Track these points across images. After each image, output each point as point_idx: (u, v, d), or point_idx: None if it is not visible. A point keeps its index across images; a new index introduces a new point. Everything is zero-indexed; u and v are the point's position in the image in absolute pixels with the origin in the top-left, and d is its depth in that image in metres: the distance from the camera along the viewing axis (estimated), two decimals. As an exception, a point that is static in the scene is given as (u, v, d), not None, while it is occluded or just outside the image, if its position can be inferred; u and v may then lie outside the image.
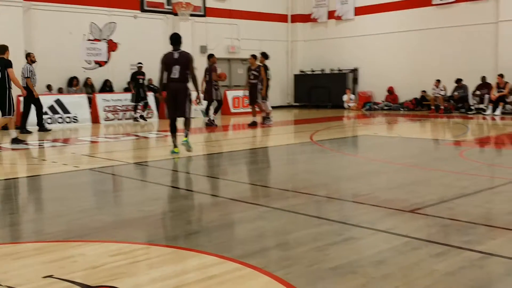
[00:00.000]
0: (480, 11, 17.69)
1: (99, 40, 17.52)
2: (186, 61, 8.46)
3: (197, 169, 7.83)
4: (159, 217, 4.91)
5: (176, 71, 8.38)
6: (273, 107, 20.34)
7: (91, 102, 15.85)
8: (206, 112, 14.19)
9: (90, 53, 17.35)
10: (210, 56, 14.02)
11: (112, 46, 17.77)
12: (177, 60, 8.42)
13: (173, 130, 8.68)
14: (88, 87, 16.97)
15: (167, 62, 8.48)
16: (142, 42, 17.90)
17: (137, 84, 16.08)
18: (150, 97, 16.65)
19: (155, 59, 16.42)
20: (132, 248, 3.81)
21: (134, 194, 6.01)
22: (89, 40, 17.31)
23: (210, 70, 13.73)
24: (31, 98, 12.71)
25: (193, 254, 3.68)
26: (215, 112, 14.17)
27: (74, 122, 15.12)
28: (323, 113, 18.67)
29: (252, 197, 5.77)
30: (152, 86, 17.70)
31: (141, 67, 16.17)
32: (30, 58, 12.93)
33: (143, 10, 15.08)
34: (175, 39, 8.56)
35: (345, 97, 20.86)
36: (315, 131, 12.42)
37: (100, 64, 17.67)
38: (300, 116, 18.54)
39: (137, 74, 16.14)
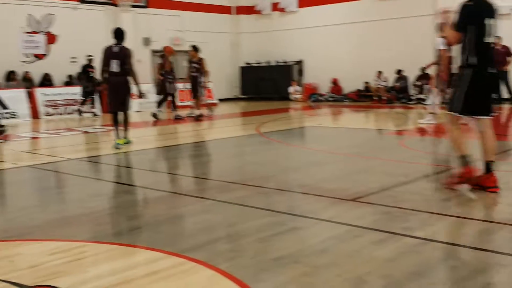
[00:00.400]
0: (419, 3, 18.20)
1: (37, 33, 16.86)
2: (124, 55, 8.61)
3: (141, 164, 7.69)
4: (101, 213, 4.79)
5: (115, 65, 8.54)
6: (220, 100, 20.35)
7: (30, 97, 15.26)
8: (158, 105, 13.88)
9: (28, 46, 16.67)
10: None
11: (51, 38, 17.14)
12: (116, 54, 8.57)
13: (115, 121, 8.81)
14: (27, 81, 16.32)
15: (106, 56, 8.63)
16: (83, 34, 17.35)
17: (87, 77, 15.60)
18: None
19: (96, 51, 16.07)
20: (72, 246, 3.71)
21: (75, 190, 5.84)
22: (27, 32, 16.63)
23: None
24: None
25: (136, 250, 3.61)
26: (159, 105, 13.90)
27: (13, 117, 14.52)
28: (269, 105, 18.76)
29: (197, 190, 5.72)
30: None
31: (91, 59, 15.62)
32: None
33: (82, 1, 14.62)
34: (118, 34, 8.73)
35: (291, 89, 21.05)
36: (262, 123, 12.46)
37: (38, 57, 17.02)
38: (247, 108, 18.57)
39: (88, 67, 15.70)
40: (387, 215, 4.31)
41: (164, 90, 13.54)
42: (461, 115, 5.03)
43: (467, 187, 4.99)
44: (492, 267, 3.11)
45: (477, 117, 5.01)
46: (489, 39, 4.87)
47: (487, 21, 4.81)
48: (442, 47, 10.05)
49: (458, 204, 4.61)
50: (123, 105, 8.72)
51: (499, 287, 2.84)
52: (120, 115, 8.83)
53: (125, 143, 8.77)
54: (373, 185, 5.36)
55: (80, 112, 15.50)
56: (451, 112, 5.07)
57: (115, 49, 8.63)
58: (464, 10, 4.83)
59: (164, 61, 13.58)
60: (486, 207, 4.49)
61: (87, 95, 15.63)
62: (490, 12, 4.87)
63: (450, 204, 4.64)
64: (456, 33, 4.89)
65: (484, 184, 4.91)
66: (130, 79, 8.72)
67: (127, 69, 8.63)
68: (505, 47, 14.94)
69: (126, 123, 8.86)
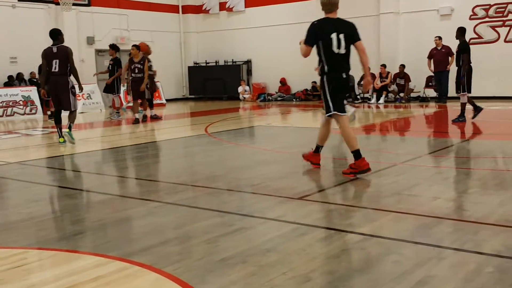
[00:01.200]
0: (363, 4, 18.61)
1: (-28, 31, 16.14)
2: (64, 55, 8.77)
3: (84, 167, 7.49)
4: (43, 218, 4.61)
5: (56, 65, 8.74)
6: (167, 100, 20.12)
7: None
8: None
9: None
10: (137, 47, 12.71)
11: (-13, 37, 16.45)
12: (56, 54, 8.77)
13: (57, 121, 9.06)
14: (-38, 82, 15.61)
15: (47, 57, 8.85)
16: (22, 33, 16.76)
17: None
18: (34, 92, 15.68)
19: (36, 51, 15.53)
20: (12, 253, 3.56)
21: (15, 195, 5.61)
22: (-40, 30, 15.89)
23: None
24: None
25: (77, 256, 3.50)
26: (150, 107, 13.59)
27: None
28: (218, 105, 18.71)
29: (143, 192, 5.62)
30: (34, 80, 16.68)
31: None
32: None
33: (21, -1, 14.12)
34: (53, 34, 8.99)
35: (240, 89, 21.06)
36: (210, 123, 12.40)
37: (-24, 57, 16.29)
38: (195, 109, 18.44)
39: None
40: (331, 213, 4.38)
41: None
42: (340, 113, 5.85)
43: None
44: (431, 260, 3.20)
45: (337, 114, 5.84)
46: (339, 50, 5.76)
47: (334, 36, 5.71)
48: None
49: (399, 200, 4.73)
50: (65, 104, 8.90)
51: (437, 279, 2.93)
52: (65, 115, 9.01)
53: (68, 137, 8.97)
54: (319, 183, 5.43)
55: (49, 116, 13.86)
56: (327, 115, 5.94)
57: (54, 49, 8.83)
58: (312, 27, 5.75)
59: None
60: (425, 203, 4.63)
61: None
62: (336, 28, 5.76)
63: (392, 200, 4.76)
64: (306, 47, 5.76)
65: (363, 168, 5.60)
66: (71, 78, 8.92)
67: (67, 68, 8.80)
68: (446, 47, 15.41)
69: (71, 119, 9.05)
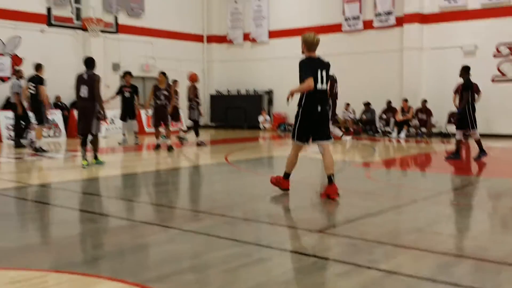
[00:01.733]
0: (387, 39, 18.76)
1: (2, 54, 16.61)
2: (92, 81, 9.29)
3: (106, 191, 7.57)
4: (64, 242, 4.66)
5: (84, 91, 9.23)
6: (188, 127, 20.28)
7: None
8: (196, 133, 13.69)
9: (-8, 68, 16.40)
10: (164, 74, 12.96)
11: (16, 60, 16.90)
12: (86, 80, 9.30)
13: (84, 143, 9.43)
14: (-10, 104, 16.00)
15: (77, 82, 9.40)
16: (50, 57, 17.14)
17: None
18: (59, 115, 15.98)
19: (63, 74, 15.95)
20: (33, 276, 3.60)
21: (37, 218, 5.69)
22: (-8, 54, 16.38)
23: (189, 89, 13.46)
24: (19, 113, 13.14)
25: (96, 280, 3.52)
26: (196, 134, 13.68)
27: None
28: (239, 133, 18.82)
29: (163, 219, 5.65)
30: (60, 103, 17.02)
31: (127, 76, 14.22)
32: (18, 74, 13.31)
33: (50, 25, 14.50)
34: (86, 62, 9.55)
35: (260, 118, 21.18)
36: (231, 151, 12.46)
37: (2, 79, 16.73)
38: (216, 136, 18.56)
39: (125, 86, 14.13)
40: (352, 247, 4.34)
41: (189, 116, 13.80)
42: (300, 142, 6.45)
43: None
44: (454, 301, 3.15)
45: (317, 141, 6.39)
46: (322, 86, 6.29)
47: (319, 72, 6.26)
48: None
49: (419, 237, 4.67)
50: (89, 127, 9.30)
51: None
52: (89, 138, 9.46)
53: (97, 163, 9.45)
54: (338, 217, 5.40)
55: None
56: (293, 140, 6.54)
57: (85, 76, 9.35)
58: (304, 64, 6.34)
59: (189, 88, 13.45)
60: (445, 240, 4.57)
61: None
62: (320, 65, 6.37)
63: (412, 237, 4.70)
64: (309, 79, 6.17)
65: (329, 193, 6.16)
66: (97, 103, 9.32)
67: (94, 94, 9.26)
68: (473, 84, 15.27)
69: (95, 145, 9.50)
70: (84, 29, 15.36)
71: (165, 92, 12.46)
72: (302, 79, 6.24)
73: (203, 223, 5.29)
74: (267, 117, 21.37)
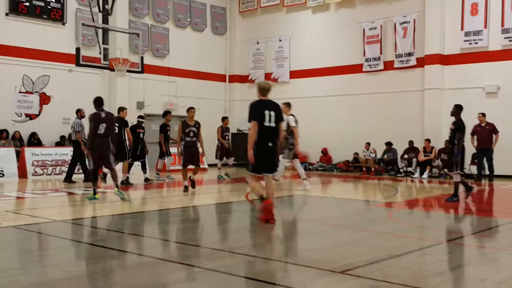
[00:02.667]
0: (408, 79, 18.81)
1: (31, 93, 17.09)
2: (111, 120, 10.08)
3: (127, 228, 7.59)
4: (84, 278, 4.67)
5: (102, 128, 9.84)
6: (209, 165, 20.39)
7: (19, 156, 15.23)
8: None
9: (21, 105, 16.86)
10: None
11: (44, 99, 17.36)
12: (104, 119, 9.91)
13: (95, 179, 10.03)
14: (16, 140, 16.35)
15: (95, 121, 9.89)
16: (76, 96, 17.60)
17: (137, 138, 13.91)
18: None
19: (89, 112, 16.25)
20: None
21: (58, 253, 5.72)
22: (21, 92, 16.86)
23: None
24: (79, 151, 13.79)
25: (117, 318, 3.50)
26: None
27: (1, 176, 14.42)
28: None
29: (184, 257, 5.62)
30: (84, 141, 17.29)
31: (142, 121, 14.43)
32: (80, 114, 13.89)
33: (78, 65, 14.91)
34: (100, 101, 10.23)
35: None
36: (252, 190, 12.41)
37: (31, 117, 17.16)
38: (237, 175, 18.56)
39: (137, 128, 14.06)
40: (376, 289, 4.25)
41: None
42: (255, 173, 7.55)
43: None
44: None
45: (264, 174, 7.59)
46: (270, 124, 7.42)
47: (267, 113, 7.42)
48: (293, 124, 12.21)
49: (445, 281, 4.56)
50: (108, 162, 9.99)
51: None
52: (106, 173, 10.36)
53: (119, 195, 9.92)
54: (361, 258, 5.31)
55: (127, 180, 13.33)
56: (249, 172, 7.59)
57: (102, 114, 9.99)
58: (253, 107, 7.57)
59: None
60: (472, 285, 4.45)
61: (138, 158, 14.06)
62: (269, 107, 7.52)
63: (437, 280, 4.59)
64: (253, 123, 7.38)
65: (268, 217, 7.34)
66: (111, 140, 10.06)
67: (111, 132, 10.06)
68: (490, 124, 15.22)
69: (114, 178, 10.04)
70: (111, 69, 15.74)
71: (194, 129, 11.66)
72: (248, 120, 7.52)
73: (223, 262, 5.25)
74: (288, 156, 21.35)
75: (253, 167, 7.49)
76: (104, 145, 9.86)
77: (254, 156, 7.35)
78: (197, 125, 11.76)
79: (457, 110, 10.33)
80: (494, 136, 15.13)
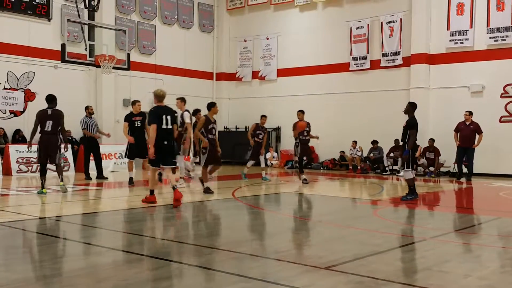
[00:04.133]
0: (394, 78, 18.94)
1: (15, 89, 16.91)
2: (58, 117, 10.48)
3: (112, 225, 7.55)
4: (68, 275, 4.64)
5: (49, 125, 10.34)
6: (196, 163, 20.36)
7: (3, 153, 15.07)
8: (300, 171, 13.99)
9: (5, 102, 16.67)
10: (301, 112, 14.12)
11: (29, 95, 17.19)
12: (50, 116, 10.43)
13: (43, 173, 10.52)
14: (1, 137, 16.17)
15: (41, 118, 10.41)
16: (62, 92, 17.36)
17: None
18: (68, 149, 16.07)
19: (74, 110, 16.17)
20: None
21: (42, 250, 5.68)
22: (5, 89, 16.68)
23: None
24: (90, 147, 14.02)
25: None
26: (301, 171, 14.02)
27: (-16, 173, 14.27)
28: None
29: (169, 253, 5.61)
30: (69, 138, 17.17)
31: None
32: (88, 111, 14.08)
33: (64, 61, 14.79)
34: (51, 99, 10.73)
35: (268, 155, 21.20)
36: (238, 187, 12.44)
37: (15, 113, 16.98)
38: (223, 173, 18.53)
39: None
40: (360, 285, 4.29)
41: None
42: (156, 166, 9.05)
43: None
44: None
45: (164, 166, 9.12)
46: (167, 126, 8.87)
47: (164, 117, 8.83)
48: (187, 120, 12.16)
49: (429, 276, 4.61)
50: (53, 158, 10.47)
51: None
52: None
53: (62, 188, 10.43)
54: (346, 254, 5.35)
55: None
56: (151, 166, 9.07)
57: (49, 112, 10.43)
58: (153, 112, 8.93)
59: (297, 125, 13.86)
60: (456, 280, 4.50)
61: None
62: (165, 112, 8.96)
63: (421, 276, 4.64)
64: (152, 125, 8.73)
65: (152, 200, 9.05)
66: (60, 136, 10.53)
67: (58, 129, 10.44)
68: (475, 124, 15.25)
69: (59, 171, 10.63)
70: (96, 65, 15.63)
71: (216, 126, 11.24)
72: (149, 123, 9.10)
73: (209, 258, 5.25)
74: (275, 154, 21.40)
75: (153, 162, 8.90)
76: (51, 141, 10.35)
77: (154, 153, 8.68)
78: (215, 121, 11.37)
79: (411, 108, 10.32)
80: (478, 136, 15.22)
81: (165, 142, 8.85)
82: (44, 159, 10.53)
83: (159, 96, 9.15)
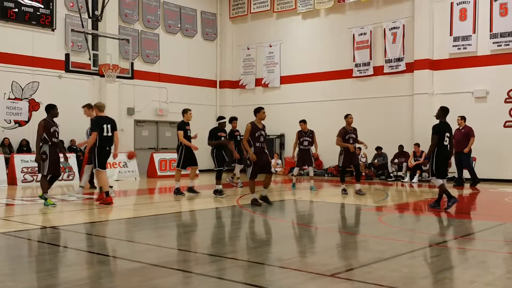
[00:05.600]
0: (397, 84, 18.93)
1: (20, 99, 17.01)
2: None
3: (118, 234, 7.56)
4: (73, 284, 4.65)
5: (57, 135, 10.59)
6: (200, 171, 20.36)
7: (8, 163, 15.13)
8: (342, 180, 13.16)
9: (10, 112, 16.76)
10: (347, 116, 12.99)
11: (34, 105, 17.28)
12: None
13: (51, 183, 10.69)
14: (6, 147, 16.25)
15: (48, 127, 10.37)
16: (67, 102, 17.51)
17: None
18: (73, 159, 16.16)
19: (78, 119, 16.26)
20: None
21: (48, 260, 5.69)
22: (10, 99, 16.77)
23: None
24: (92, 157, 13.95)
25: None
26: (342, 180, 13.00)
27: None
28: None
29: (174, 262, 5.62)
30: (74, 147, 17.24)
31: (223, 123, 13.34)
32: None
33: (68, 71, 14.86)
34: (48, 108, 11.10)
35: (272, 162, 21.20)
36: (242, 194, 12.44)
37: (20, 123, 17.06)
38: (227, 180, 18.55)
39: (218, 131, 13.21)
40: (365, 292, 4.28)
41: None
42: (101, 169, 10.33)
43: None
44: None
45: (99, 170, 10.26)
46: (108, 134, 10.29)
47: (105, 126, 10.26)
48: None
49: (434, 283, 4.60)
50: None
51: None
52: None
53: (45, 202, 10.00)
54: (351, 261, 5.34)
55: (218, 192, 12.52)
56: (99, 169, 10.35)
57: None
58: (95, 122, 10.36)
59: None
60: (461, 286, 4.48)
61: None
62: (106, 121, 10.36)
63: (426, 282, 4.62)
64: (94, 133, 10.24)
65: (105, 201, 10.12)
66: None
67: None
68: (467, 128, 14.95)
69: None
70: (100, 75, 15.70)
71: (264, 133, 10.78)
72: (91, 131, 10.60)
73: (214, 267, 5.25)
74: (279, 161, 21.39)
75: (99, 165, 10.23)
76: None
77: (99, 157, 10.17)
78: (264, 127, 10.66)
79: (442, 112, 10.01)
80: (470, 140, 14.91)
81: (107, 148, 10.35)
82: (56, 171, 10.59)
83: (100, 107, 10.59)
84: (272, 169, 20.62)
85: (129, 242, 6.84)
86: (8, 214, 9.64)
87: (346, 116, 12.89)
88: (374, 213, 9.85)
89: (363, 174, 18.37)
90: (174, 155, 16.34)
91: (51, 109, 10.42)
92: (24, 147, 16.72)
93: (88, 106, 12.16)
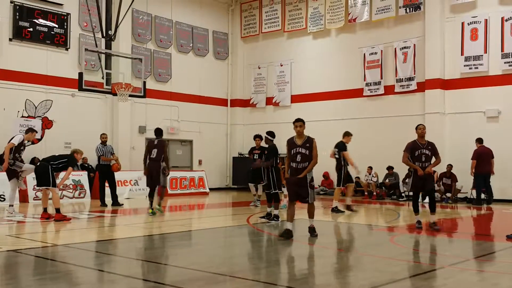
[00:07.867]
0: (408, 104, 18.88)
1: (33, 117, 17.19)
2: (162, 146, 11.90)
3: (127, 252, 7.55)
4: (84, 303, 4.64)
5: (154, 153, 11.82)
6: (211, 189, 20.36)
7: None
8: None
9: (23, 130, 16.86)
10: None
11: (47, 123, 17.46)
12: (156, 145, 11.91)
13: (151, 195, 11.86)
14: (19, 165, 16.35)
15: (149, 147, 12.10)
16: (79, 120, 17.77)
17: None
18: (84, 177, 16.24)
19: (90, 137, 16.39)
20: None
21: (58, 278, 5.69)
22: (23, 117, 16.96)
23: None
24: (105, 174, 14.26)
25: None
26: (415, 211, 11.06)
27: (2, 201, 14.39)
28: (261, 196, 18.72)
29: (184, 281, 5.58)
30: (86, 165, 17.33)
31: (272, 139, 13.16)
32: (101, 139, 14.42)
33: (81, 89, 15.02)
34: (158, 132, 12.36)
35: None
36: (253, 213, 12.40)
37: (32, 141, 17.19)
38: (238, 199, 18.53)
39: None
40: (377, 314, 4.22)
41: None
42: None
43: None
44: None
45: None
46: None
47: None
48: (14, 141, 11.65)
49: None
50: (157, 181, 12.03)
51: None
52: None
53: (160, 213, 11.73)
54: (363, 282, 5.28)
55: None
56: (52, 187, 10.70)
57: (155, 142, 12.09)
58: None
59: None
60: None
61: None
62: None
63: (441, 305, 4.55)
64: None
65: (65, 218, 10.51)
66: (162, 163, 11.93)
67: (162, 156, 11.99)
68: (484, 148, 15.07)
69: (161, 196, 12.06)
70: (113, 93, 15.85)
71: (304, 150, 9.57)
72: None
73: (224, 286, 5.21)
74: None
75: (54, 183, 10.66)
76: (155, 167, 11.79)
77: (52, 176, 10.61)
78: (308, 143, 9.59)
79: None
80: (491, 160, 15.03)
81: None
82: (150, 183, 11.87)
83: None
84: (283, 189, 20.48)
85: (138, 261, 6.82)
86: (19, 232, 9.68)
87: (417, 127, 10.64)
88: (386, 234, 9.73)
89: (374, 193, 18.26)
90: (185, 173, 16.42)
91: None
92: (35, 165, 16.81)
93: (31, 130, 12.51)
